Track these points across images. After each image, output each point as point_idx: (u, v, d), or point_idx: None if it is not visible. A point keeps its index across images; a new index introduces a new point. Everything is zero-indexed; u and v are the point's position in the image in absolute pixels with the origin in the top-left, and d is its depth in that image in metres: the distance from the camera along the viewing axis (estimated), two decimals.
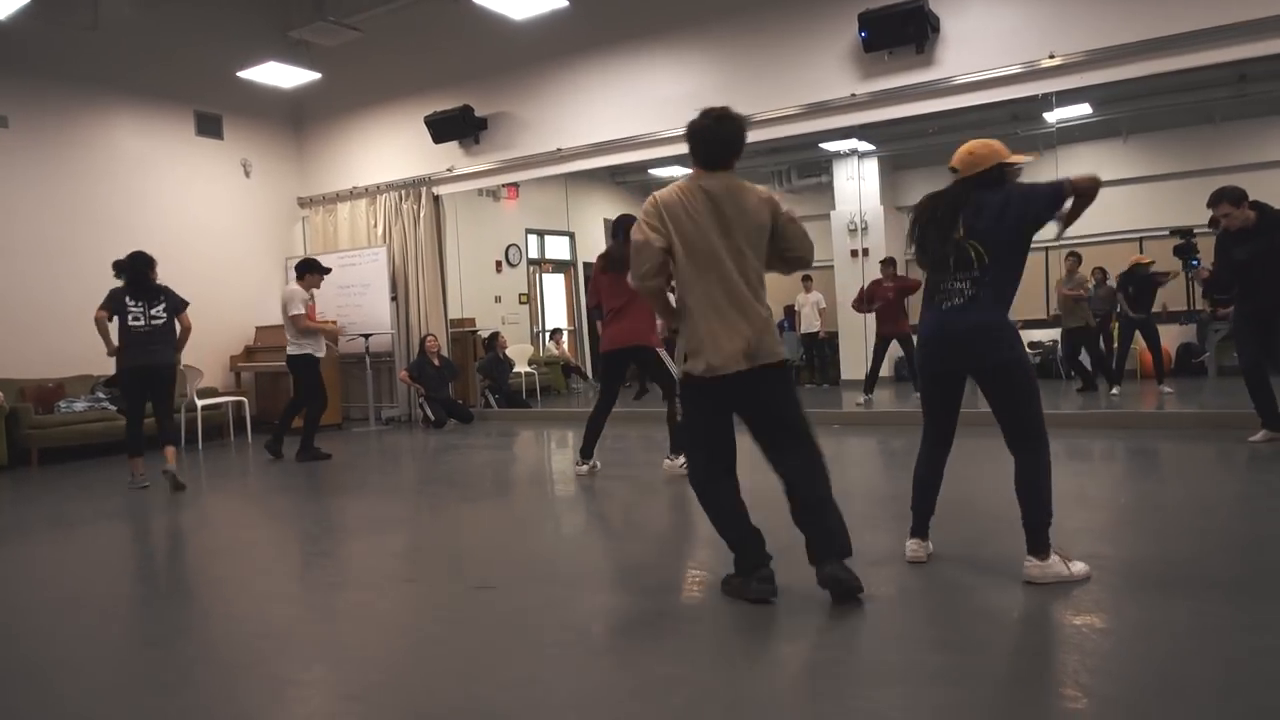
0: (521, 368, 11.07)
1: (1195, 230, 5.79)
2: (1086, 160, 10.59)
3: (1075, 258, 8.66)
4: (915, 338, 3.29)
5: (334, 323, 7.65)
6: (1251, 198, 5.24)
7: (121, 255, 6.16)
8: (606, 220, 13.58)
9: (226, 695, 2.36)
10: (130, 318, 5.89)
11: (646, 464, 6.22)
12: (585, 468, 5.44)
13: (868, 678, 2.26)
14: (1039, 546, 2.84)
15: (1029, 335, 10.81)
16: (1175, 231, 5.87)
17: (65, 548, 4.51)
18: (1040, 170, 10.27)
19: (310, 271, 7.02)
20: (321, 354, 6.98)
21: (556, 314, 13.02)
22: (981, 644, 2.40)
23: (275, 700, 2.35)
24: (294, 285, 6.98)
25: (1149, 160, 10.47)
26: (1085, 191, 2.94)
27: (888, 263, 8.50)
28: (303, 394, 6.95)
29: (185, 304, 6.13)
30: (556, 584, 3.23)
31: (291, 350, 6.87)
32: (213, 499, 5.95)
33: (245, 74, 8.87)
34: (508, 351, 10.54)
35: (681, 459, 4.86)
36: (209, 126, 9.67)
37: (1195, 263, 5.64)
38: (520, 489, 5.80)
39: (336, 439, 8.13)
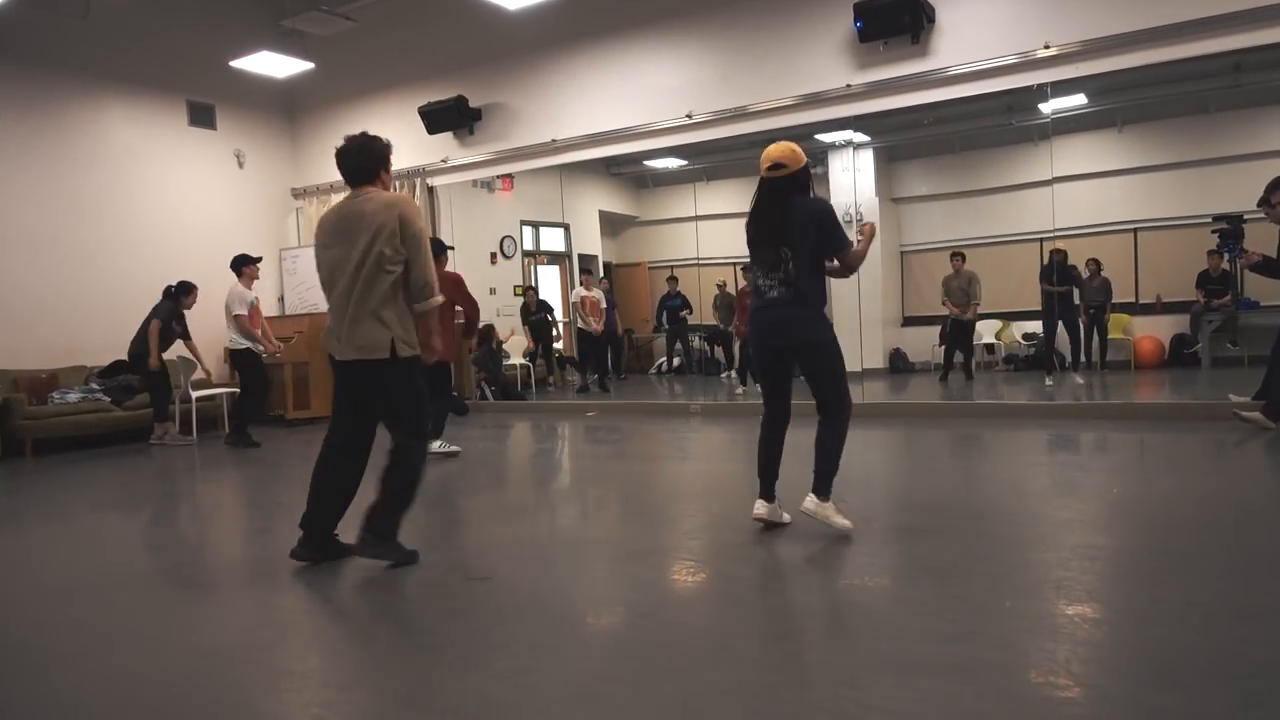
0: (517, 359, 11.07)
1: (1245, 216, 5.81)
2: (1081, 150, 10.61)
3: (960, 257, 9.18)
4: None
5: (279, 349, 7.86)
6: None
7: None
8: (602, 211, 13.64)
9: (223, 686, 2.36)
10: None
11: (640, 456, 6.22)
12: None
13: (860, 668, 2.28)
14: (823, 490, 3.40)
15: (1024, 326, 10.86)
16: (1222, 218, 5.88)
17: (59, 539, 4.51)
18: (1035, 164, 10.32)
19: (245, 265, 7.44)
20: (261, 351, 7.45)
21: (551, 306, 12.99)
22: (973, 634, 2.41)
23: (271, 690, 2.35)
24: (237, 286, 7.38)
25: (1144, 150, 10.48)
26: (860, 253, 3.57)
27: None
28: (246, 385, 7.46)
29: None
30: (552, 575, 3.24)
31: (234, 345, 7.38)
32: (206, 489, 5.94)
33: (238, 63, 8.82)
34: (503, 344, 10.54)
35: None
36: (202, 116, 9.61)
37: (1237, 250, 5.66)
38: (515, 480, 5.80)
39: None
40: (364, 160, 3.35)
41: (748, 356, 9.73)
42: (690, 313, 11.87)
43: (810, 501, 3.40)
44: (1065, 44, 6.41)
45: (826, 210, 3.52)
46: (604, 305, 10.84)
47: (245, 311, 7.26)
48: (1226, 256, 5.93)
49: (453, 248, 6.26)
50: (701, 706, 2.08)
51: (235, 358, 7.54)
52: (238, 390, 7.75)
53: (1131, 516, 3.75)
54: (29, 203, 8.12)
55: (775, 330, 3.47)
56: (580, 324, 10.66)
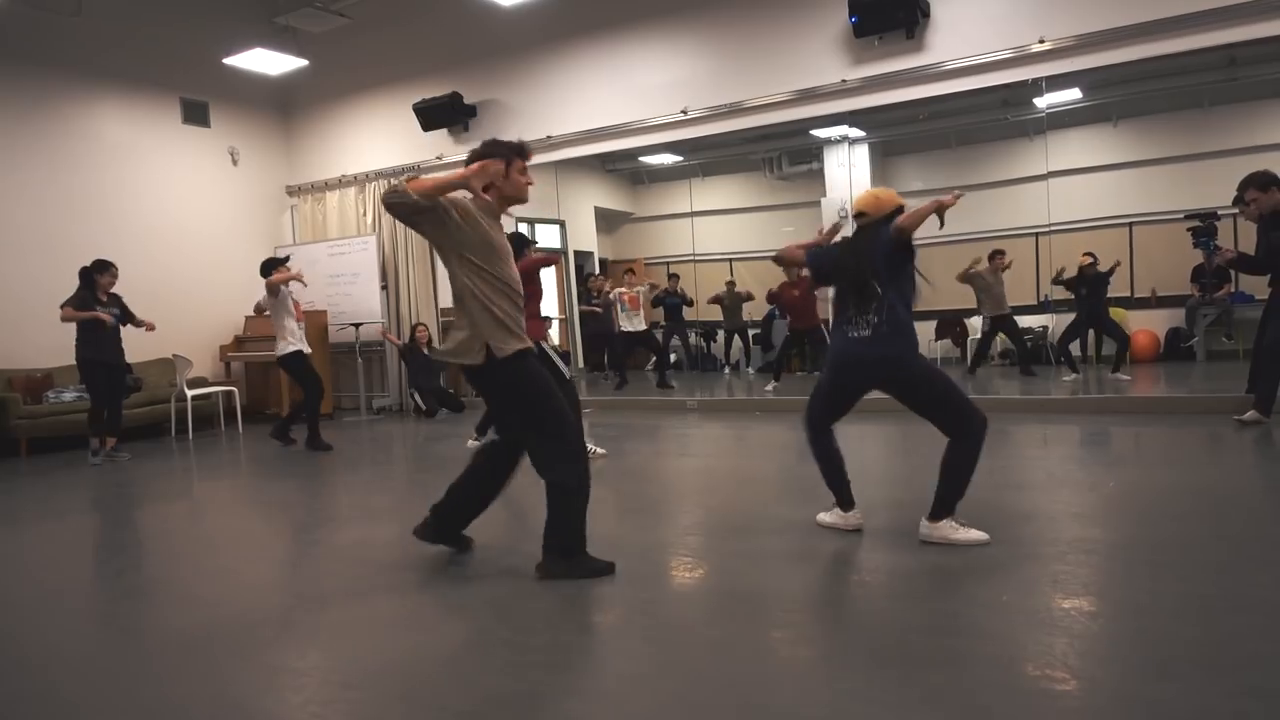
0: None
1: (1219, 213, 5.83)
2: (1076, 145, 10.62)
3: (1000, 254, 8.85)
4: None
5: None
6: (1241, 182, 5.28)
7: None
8: (598, 208, 13.62)
9: (222, 683, 2.36)
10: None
11: (634, 452, 6.23)
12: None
13: (857, 661, 2.28)
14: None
15: (1022, 321, 10.87)
16: (1195, 214, 5.90)
17: (55, 538, 4.50)
18: (1031, 159, 10.32)
19: (275, 267, 6.84)
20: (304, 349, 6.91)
21: (548, 302, 12.97)
22: (970, 628, 2.41)
23: (271, 688, 2.35)
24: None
25: (1139, 145, 10.49)
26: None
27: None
28: (306, 386, 6.90)
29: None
30: None
31: (282, 350, 6.78)
32: (203, 488, 5.93)
33: (231, 61, 8.79)
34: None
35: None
36: (195, 114, 9.59)
37: (1212, 246, 5.67)
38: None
39: (329, 429, 8.10)
40: None
41: (787, 354, 9.69)
42: (690, 304, 11.84)
43: (925, 526, 3.24)
44: (1060, 38, 6.41)
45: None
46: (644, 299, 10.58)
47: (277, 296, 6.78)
48: (1205, 254, 5.95)
49: (536, 242, 6.03)
50: (698, 701, 2.08)
51: (285, 363, 6.87)
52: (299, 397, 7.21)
53: (1128, 510, 3.76)
54: (21, 201, 8.09)
55: (867, 369, 3.33)
56: (623, 323, 10.39)
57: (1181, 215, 5.69)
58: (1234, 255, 5.55)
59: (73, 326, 6.55)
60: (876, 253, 3.31)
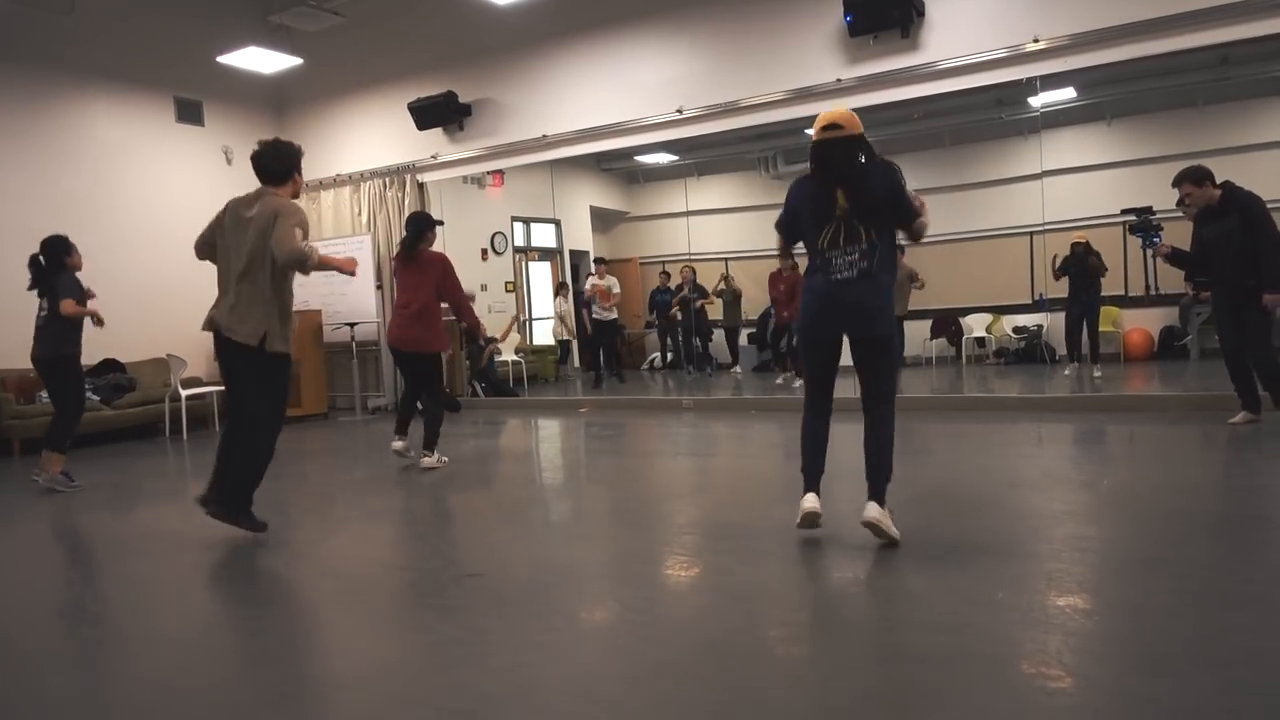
0: (509, 355, 11.05)
1: (1155, 209, 5.84)
2: (1070, 144, 10.65)
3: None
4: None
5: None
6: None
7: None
8: (593, 207, 13.62)
9: (214, 685, 2.36)
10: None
11: (633, 452, 6.23)
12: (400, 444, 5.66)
13: (853, 659, 2.28)
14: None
15: (1014, 320, 10.91)
16: (1131, 210, 5.90)
17: (50, 539, 4.48)
18: (1025, 158, 10.35)
19: None
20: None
21: (543, 302, 12.98)
22: (965, 626, 2.42)
23: (265, 688, 2.35)
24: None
25: (1133, 144, 10.52)
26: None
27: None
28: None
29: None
30: (545, 570, 3.24)
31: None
32: (198, 489, 5.90)
33: (225, 59, 8.76)
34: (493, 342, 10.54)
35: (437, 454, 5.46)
36: (189, 113, 9.55)
37: (1148, 240, 5.67)
38: (508, 477, 5.79)
39: (323, 429, 8.09)
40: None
41: (793, 344, 9.87)
42: (699, 299, 11.86)
43: (874, 510, 3.09)
44: (1054, 37, 6.43)
45: (901, 177, 3.17)
46: (615, 292, 10.82)
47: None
48: (1144, 250, 5.95)
49: (441, 222, 5.88)
50: (695, 701, 2.08)
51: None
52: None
53: (1122, 508, 3.77)
54: (13, 200, 8.04)
55: (854, 316, 3.11)
56: (596, 313, 10.70)
57: (1178, 214, 5.69)
58: (1169, 251, 5.56)
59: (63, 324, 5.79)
60: (868, 181, 3.08)
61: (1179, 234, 5.75)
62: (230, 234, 3.93)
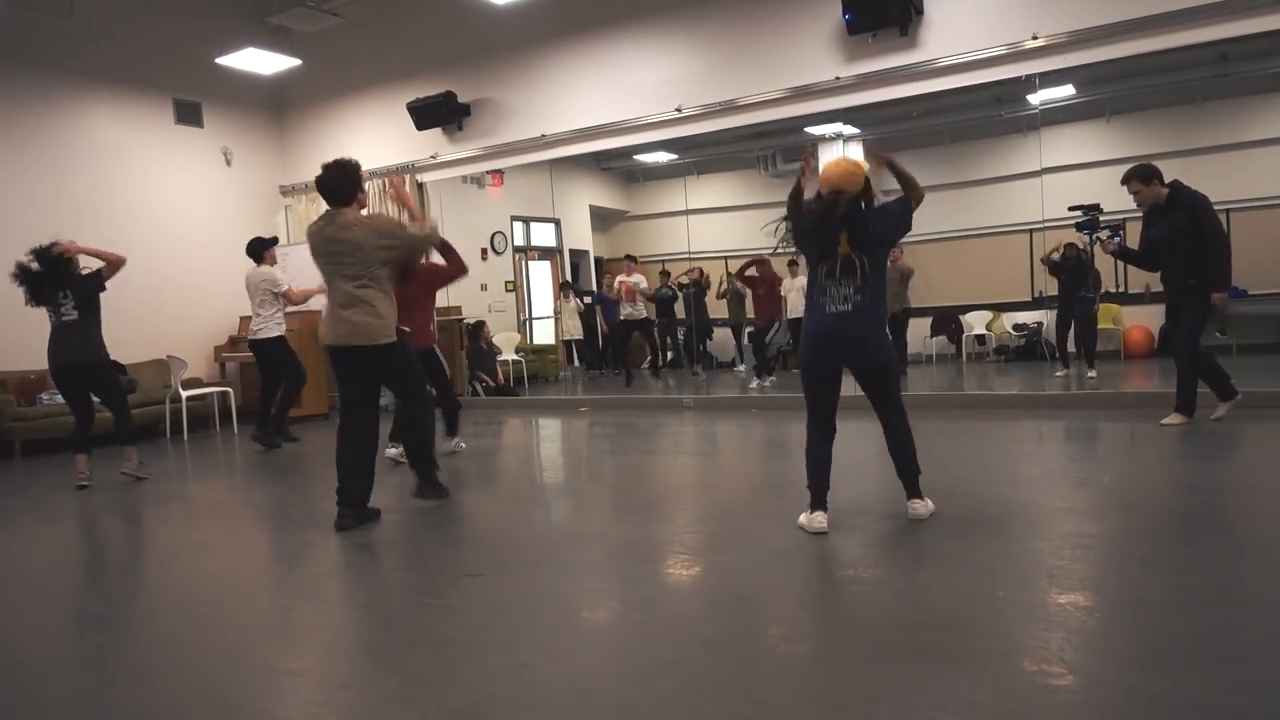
0: (509, 355, 11.05)
1: (1102, 206, 5.83)
2: (1069, 141, 10.64)
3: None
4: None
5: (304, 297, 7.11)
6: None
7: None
8: (593, 206, 13.62)
9: (218, 685, 2.36)
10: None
11: (634, 451, 6.23)
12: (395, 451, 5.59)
13: (855, 657, 2.28)
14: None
15: (1014, 317, 10.90)
16: (1079, 206, 5.89)
17: (50, 541, 4.48)
18: (1024, 155, 10.34)
19: (265, 248, 7.11)
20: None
21: (543, 301, 12.98)
22: (967, 623, 2.42)
23: (267, 689, 2.35)
24: (262, 268, 7.01)
25: (1132, 141, 10.51)
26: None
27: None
28: (289, 372, 7.00)
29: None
30: (545, 570, 3.24)
31: (262, 335, 6.89)
32: (198, 489, 5.92)
33: (224, 61, 8.76)
34: (493, 340, 10.54)
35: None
36: (188, 114, 9.55)
37: (1095, 237, 5.67)
38: (508, 476, 5.79)
39: (324, 429, 8.08)
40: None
41: (771, 350, 9.98)
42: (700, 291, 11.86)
43: (921, 505, 3.48)
44: (1053, 34, 6.42)
45: (902, 206, 3.45)
46: (644, 288, 10.82)
47: (286, 287, 6.86)
48: (1090, 246, 5.96)
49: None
50: (696, 700, 2.08)
51: (267, 348, 6.81)
52: (264, 385, 7.12)
53: (1122, 505, 3.77)
54: (12, 202, 8.04)
55: (853, 350, 3.43)
56: (626, 312, 10.73)
57: (1068, 208, 5.66)
58: (1116, 248, 5.56)
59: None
60: (869, 227, 3.35)
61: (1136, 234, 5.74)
62: (324, 259, 4.05)
